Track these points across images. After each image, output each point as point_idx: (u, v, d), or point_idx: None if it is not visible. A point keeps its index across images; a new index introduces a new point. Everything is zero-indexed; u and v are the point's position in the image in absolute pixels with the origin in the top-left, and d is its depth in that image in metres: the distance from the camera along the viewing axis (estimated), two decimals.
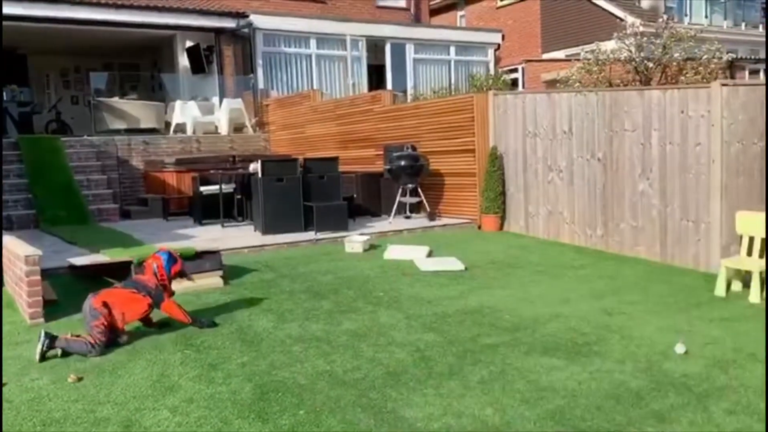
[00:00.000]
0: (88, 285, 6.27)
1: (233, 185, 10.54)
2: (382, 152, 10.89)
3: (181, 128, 14.34)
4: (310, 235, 8.77)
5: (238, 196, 10.59)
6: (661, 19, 14.07)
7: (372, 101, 11.80)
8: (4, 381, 4.32)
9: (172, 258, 5.39)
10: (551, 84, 17.38)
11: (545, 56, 21.72)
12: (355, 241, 8.17)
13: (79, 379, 4.34)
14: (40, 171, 11.48)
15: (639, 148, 7.64)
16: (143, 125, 14.38)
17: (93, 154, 12.60)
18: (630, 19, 18.03)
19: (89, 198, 11.48)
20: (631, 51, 12.79)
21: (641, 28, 14.13)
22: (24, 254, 5.48)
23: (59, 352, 4.74)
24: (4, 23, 12.98)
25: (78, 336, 4.84)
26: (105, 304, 4.96)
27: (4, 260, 6.54)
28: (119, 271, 6.45)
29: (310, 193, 9.11)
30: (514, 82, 19.73)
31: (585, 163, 8.31)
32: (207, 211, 10.46)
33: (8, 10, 12.84)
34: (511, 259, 7.71)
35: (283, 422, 3.68)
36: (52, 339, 4.67)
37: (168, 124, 14.72)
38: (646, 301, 5.99)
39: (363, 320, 5.48)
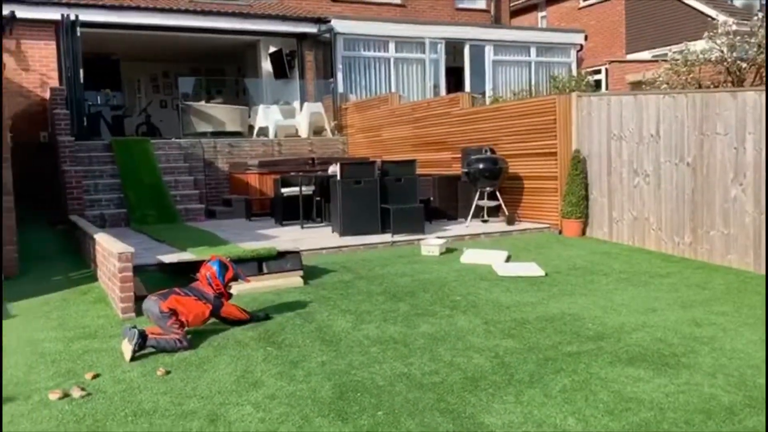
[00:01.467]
0: (176, 281, 6.52)
1: (313, 187, 10.73)
2: (459, 155, 10.83)
3: (263, 132, 14.72)
4: (387, 237, 8.81)
5: (317, 198, 10.77)
6: (756, 17, 13.35)
7: (450, 104, 11.75)
8: (97, 372, 4.54)
9: (223, 266, 5.52)
10: (636, 86, 16.82)
11: (630, 57, 21.03)
12: (431, 244, 8.15)
13: (167, 373, 4.51)
14: (131, 172, 12.03)
15: (732, 152, 7.29)
16: (228, 128, 14.84)
17: (181, 156, 13.10)
18: (722, 17, 17.21)
19: (177, 198, 11.94)
20: (723, 51, 12.21)
21: (734, 27, 13.46)
22: (117, 251, 5.75)
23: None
24: (100, 31, 13.70)
25: (160, 334, 5.05)
26: (172, 309, 5.14)
27: (99, 257, 6.89)
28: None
29: (387, 196, 9.16)
30: (597, 84, 19.21)
31: (673, 168, 7.99)
32: (287, 212, 10.69)
33: (103, 18, 13.56)
34: (593, 266, 7.51)
35: (362, 422, 3.71)
36: (143, 338, 4.84)
37: (251, 128, 15.13)
38: (738, 312, 5.70)
39: (440, 324, 5.46)
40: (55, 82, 13.43)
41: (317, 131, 15.21)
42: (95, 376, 4.47)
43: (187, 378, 4.43)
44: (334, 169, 10.23)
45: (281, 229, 10.27)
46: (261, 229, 10.29)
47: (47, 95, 13.10)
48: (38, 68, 13.75)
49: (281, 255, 6.80)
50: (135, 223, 11.02)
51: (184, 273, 6.85)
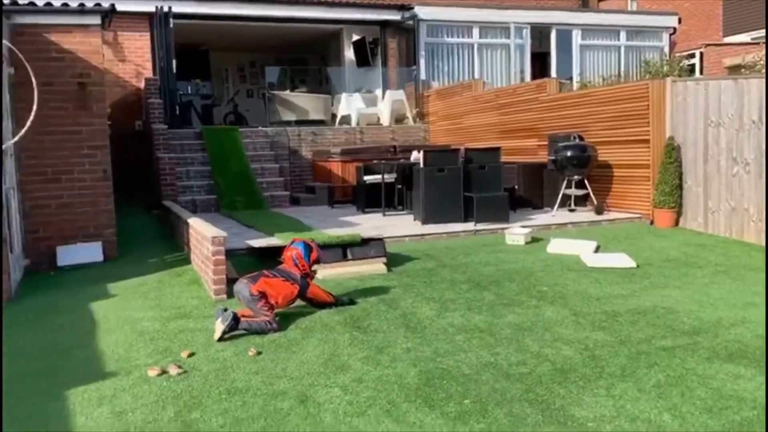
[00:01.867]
0: (264, 265, 6.70)
1: (395, 175, 10.75)
2: (545, 142, 10.58)
3: (345, 120, 14.86)
4: (470, 226, 8.74)
5: (399, 186, 10.79)
6: None
7: (537, 90, 11.49)
8: (192, 351, 4.73)
9: (308, 247, 5.61)
10: (735, 69, 15.93)
11: (727, 40, 19.93)
12: (516, 233, 8.03)
13: (258, 353, 4.65)
14: (220, 159, 12.42)
15: None
16: (312, 117, 15.07)
17: (267, 144, 13.42)
18: None
19: (263, 185, 12.25)
20: None
21: None
22: (211, 235, 5.96)
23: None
24: (191, 22, 14.16)
25: (250, 316, 5.20)
26: (262, 291, 5.26)
27: (193, 240, 7.16)
28: None
29: (470, 184, 9.07)
30: (691, 69, 18.33)
31: None
32: (369, 199, 10.76)
33: (194, 9, 13.99)
34: (688, 258, 7.19)
35: (449, 409, 3.70)
36: (236, 321, 4.99)
37: (334, 116, 15.31)
38: None
39: (527, 314, 5.37)
40: (149, 73, 14.00)
41: (399, 119, 15.22)
42: (190, 355, 4.65)
43: (277, 359, 4.55)
44: (417, 156, 10.21)
45: (363, 216, 10.36)
46: (343, 216, 10.41)
47: (142, 85, 13.69)
48: (133, 59, 14.36)
49: (365, 242, 6.87)
50: (224, 209, 11.39)
51: (272, 257, 7.02)
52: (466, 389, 3.96)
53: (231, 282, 6.30)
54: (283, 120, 14.87)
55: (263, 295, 5.26)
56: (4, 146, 6.25)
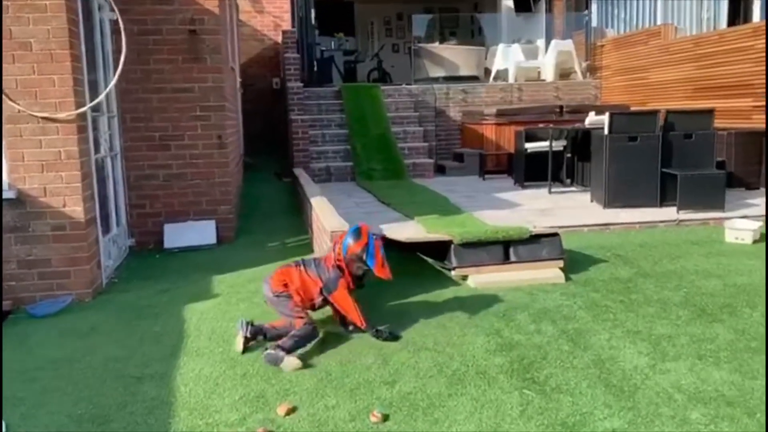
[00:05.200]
0: (401, 258, 5.21)
1: (563, 142, 8.81)
2: (764, 103, 8.13)
3: (501, 75, 12.94)
4: (670, 213, 6.69)
5: (568, 155, 8.85)
6: None
7: (753, 35, 8.94)
8: (293, 405, 3.31)
9: (356, 234, 4.01)
10: None
11: None
12: (741, 227, 5.90)
13: (385, 419, 3.14)
14: (359, 121, 11.05)
15: None
16: (462, 72, 13.28)
17: (410, 104, 11.88)
18: None
19: (404, 151, 10.76)
20: None
21: None
22: (330, 229, 4.54)
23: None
24: None
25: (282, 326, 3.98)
26: (286, 285, 3.99)
27: (315, 225, 5.80)
28: (434, 250, 5.25)
29: (670, 157, 6.98)
30: None
31: None
32: (530, 171, 8.92)
33: None
34: None
35: None
36: (254, 325, 4.02)
37: (488, 71, 13.42)
38: None
39: None
40: (287, 26, 12.85)
41: (564, 74, 13.05)
42: (289, 412, 3.24)
43: (414, 428, 3.03)
44: (595, 119, 8.21)
45: (522, 192, 8.57)
46: (498, 191, 8.67)
47: (280, 39, 12.57)
48: (272, 10, 13.29)
49: (535, 238, 5.13)
50: (360, 178, 10.05)
51: (410, 249, 5.50)
52: None
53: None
54: (430, 76, 13.22)
55: (289, 294, 3.97)
56: (93, 103, 5.15)
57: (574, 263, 5.31)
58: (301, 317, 3.92)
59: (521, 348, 3.85)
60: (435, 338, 4.00)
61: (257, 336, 3.99)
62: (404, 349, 3.87)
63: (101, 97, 5.06)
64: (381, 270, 3.98)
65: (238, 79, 10.85)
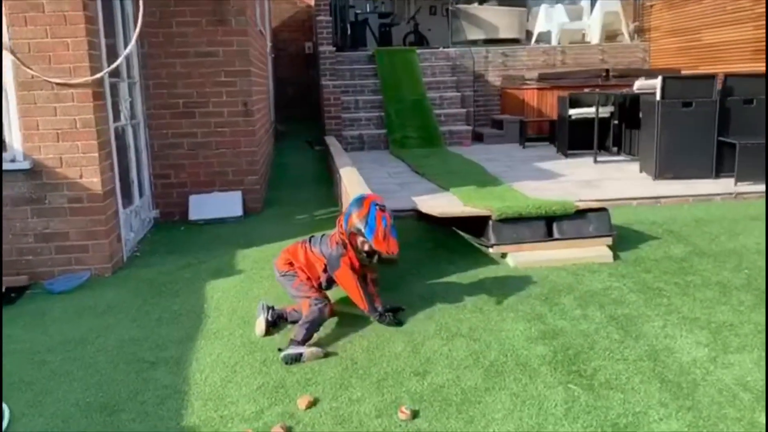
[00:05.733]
0: (432, 234, 4.90)
1: (610, 108, 8.29)
2: None
3: (543, 37, 12.33)
4: (727, 185, 6.20)
5: (615, 122, 8.34)
6: None
7: None
8: (315, 397, 3.04)
9: (359, 203, 3.66)
10: None
11: None
12: None
13: (414, 415, 2.85)
14: (393, 87, 10.64)
15: None
16: (502, 35, 12.68)
17: (447, 68, 11.40)
18: None
19: (440, 118, 10.35)
20: None
21: None
22: None
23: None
24: None
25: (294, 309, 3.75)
26: (291, 263, 3.74)
27: (344, 198, 5.49)
28: (471, 225, 4.90)
29: (728, 125, 6.46)
30: None
31: None
32: (574, 139, 8.44)
33: None
34: None
35: None
36: (274, 309, 3.79)
37: (529, 34, 12.81)
38: None
39: None
40: None
41: (610, 36, 12.40)
42: (311, 405, 2.97)
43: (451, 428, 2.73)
44: (644, 84, 7.71)
45: (566, 161, 8.12)
46: (539, 160, 8.24)
47: (312, 1, 12.14)
48: None
49: (580, 213, 4.73)
50: (394, 146, 9.70)
51: (445, 223, 5.17)
52: None
53: (390, 263, 4.58)
54: (469, 39, 12.67)
55: (295, 273, 3.73)
56: (109, 68, 4.88)
57: (623, 240, 4.90)
58: (307, 297, 3.63)
59: (566, 336, 3.50)
60: (470, 323, 3.68)
61: (278, 321, 3.73)
62: (437, 336, 3.57)
63: (118, 61, 4.78)
64: (381, 243, 3.56)
65: (269, 43, 10.51)
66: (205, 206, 6.17)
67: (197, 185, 6.27)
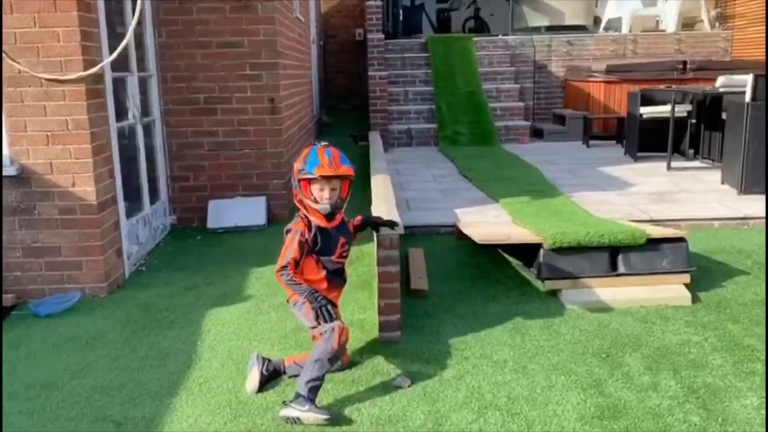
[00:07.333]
0: (476, 259, 4.18)
1: (687, 106, 7.33)
2: None
3: (613, 25, 11.29)
4: None
5: (693, 121, 7.38)
6: None
7: None
8: None
9: (312, 155, 2.96)
10: None
11: None
12: None
13: None
14: (446, 78, 9.87)
15: None
16: (568, 21, 11.69)
17: (506, 58, 10.54)
18: None
19: (496, 112, 9.53)
20: None
21: None
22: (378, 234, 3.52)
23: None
24: None
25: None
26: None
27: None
28: (521, 248, 4.16)
29: None
30: None
31: None
32: (644, 140, 7.51)
33: None
34: None
35: None
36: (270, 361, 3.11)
37: (597, 20, 11.77)
38: None
39: None
40: None
41: (688, 23, 11.25)
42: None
43: None
44: (730, 80, 6.71)
45: (635, 166, 7.22)
46: (604, 164, 7.38)
47: None
48: None
49: (653, 242, 3.91)
50: (444, 143, 8.97)
51: (491, 247, 4.43)
52: None
53: (419, 296, 3.91)
54: (531, 26, 11.75)
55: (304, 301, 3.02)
56: (105, 62, 4.32)
57: (702, 274, 4.07)
58: (314, 327, 2.96)
59: (630, 416, 2.74)
60: (510, 390, 2.96)
61: (274, 376, 3.09)
62: (466, 406, 2.86)
63: (114, 55, 4.19)
64: (326, 168, 2.90)
65: (313, 30, 9.88)
66: (225, 213, 5.60)
67: (218, 189, 5.71)
